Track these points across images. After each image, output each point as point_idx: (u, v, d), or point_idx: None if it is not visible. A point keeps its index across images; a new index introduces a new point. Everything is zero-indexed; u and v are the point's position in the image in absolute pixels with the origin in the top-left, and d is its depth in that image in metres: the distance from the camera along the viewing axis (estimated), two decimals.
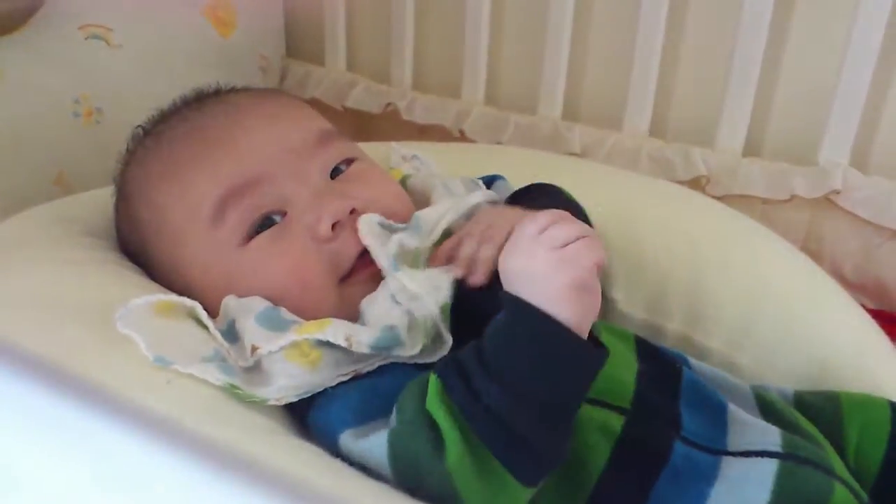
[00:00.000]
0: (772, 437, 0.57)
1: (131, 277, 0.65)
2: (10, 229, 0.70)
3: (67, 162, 0.95)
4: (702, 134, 1.01)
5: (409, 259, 0.59)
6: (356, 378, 0.55)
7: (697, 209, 0.83)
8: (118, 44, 0.98)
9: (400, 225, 0.61)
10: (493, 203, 0.70)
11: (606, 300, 0.76)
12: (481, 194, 0.68)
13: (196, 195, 0.62)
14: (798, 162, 0.96)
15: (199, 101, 0.69)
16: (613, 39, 1.05)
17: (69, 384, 0.27)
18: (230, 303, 0.60)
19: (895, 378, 0.69)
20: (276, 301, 0.59)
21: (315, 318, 0.57)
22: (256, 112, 0.66)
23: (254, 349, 0.55)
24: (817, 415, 0.62)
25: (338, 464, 0.50)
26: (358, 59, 1.25)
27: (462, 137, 1.12)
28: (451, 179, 0.73)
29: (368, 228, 0.59)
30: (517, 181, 0.78)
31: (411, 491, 0.49)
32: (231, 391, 0.53)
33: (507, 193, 0.74)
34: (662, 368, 0.61)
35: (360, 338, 0.54)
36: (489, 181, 0.75)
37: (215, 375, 0.53)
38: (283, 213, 0.62)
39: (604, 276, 0.74)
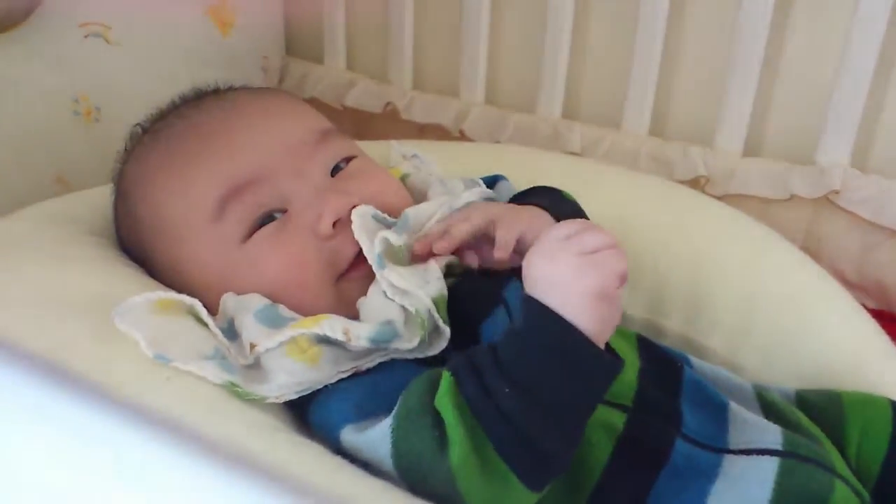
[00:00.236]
0: (773, 435, 0.57)
1: (131, 275, 0.65)
2: (10, 227, 0.70)
3: (66, 160, 0.94)
4: (701, 133, 1.01)
5: (393, 255, 0.59)
6: (356, 375, 0.55)
7: (697, 209, 0.83)
8: (117, 42, 0.98)
9: (392, 220, 0.61)
10: (490, 201, 0.70)
11: None
12: (476, 192, 0.68)
13: (196, 193, 0.62)
14: (797, 162, 0.96)
15: (198, 99, 0.69)
16: (613, 39, 1.05)
17: (70, 380, 0.27)
18: (229, 300, 0.60)
19: None
20: (274, 298, 0.59)
21: (313, 314, 0.57)
22: (256, 110, 0.67)
23: (252, 347, 0.55)
24: (819, 414, 0.62)
25: (339, 461, 0.50)
26: (357, 59, 1.25)
27: (461, 137, 1.12)
28: (451, 179, 0.73)
29: (361, 222, 0.59)
30: (516, 180, 0.78)
31: (413, 488, 0.49)
32: (230, 389, 0.53)
33: (510, 194, 0.74)
34: (664, 367, 0.61)
35: (359, 332, 0.54)
36: (492, 181, 0.75)
37: (215, 373, 0.53)
38: (284, 211, 0.62)
39: None
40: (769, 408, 0.62)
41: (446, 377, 0.49)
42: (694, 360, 0.65)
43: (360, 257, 0.60)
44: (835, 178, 0.92)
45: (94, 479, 0.27)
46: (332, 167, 0.65)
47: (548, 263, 0.50)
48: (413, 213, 0.62)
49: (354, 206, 0.60)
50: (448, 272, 0.61)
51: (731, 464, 0.55)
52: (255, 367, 0.56)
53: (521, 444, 0.47)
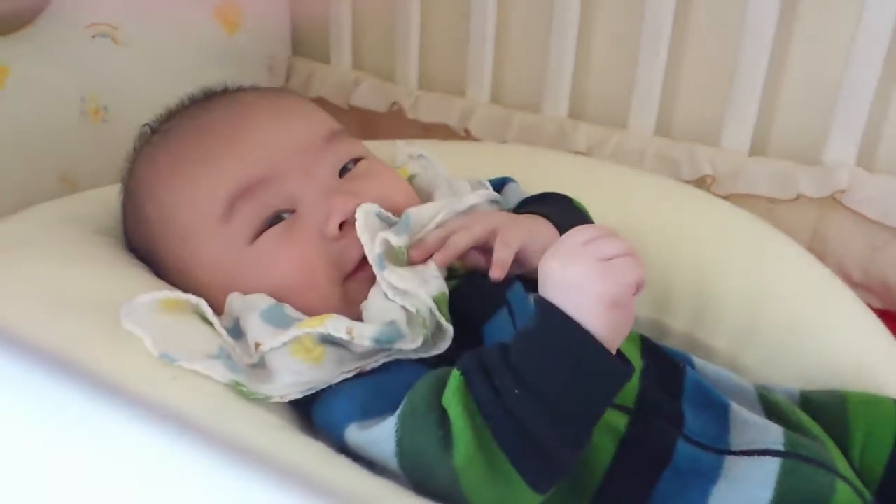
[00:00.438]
0: (774, 435, 0.57)
1: (138, 274, 0.65)
2: (17, 226, 0.70)
3: (74, 160, 0.95)
4: (707, 133, 1.01)
5: (394, 256, 0.59)
6: (360, 375, 0.55)
7: (703, 208, 0.83)
8: (125, 42, 0.99)
9: (395, 219, 0.61)
10: (495, 204, 0.70)
11: None
12: (481, 195, 0.68)
13: (205, 193, 0.62)
14: (804, 161, 0.96)
15: (207, 99, 0.69)
16: (619, 38, 1.04)
17: (79, 376, 0.27)
18: (235, 300, 0.60)
19: None
20: (281, 298, 0.59)
21: (319, 315, 0.57)
22: (264, 110, 0.67)
23: (257, 346, 0.56)
24: (823, 414, 0.62)
25: (343, 460, 0.50)
26: (363, 58, 1.25)
27: (467, 136, 1.12)
28: (458, 180, 0.73)
29: (365, 220, 0.59)
30: (522, 180, 0.78)
31: (417, 487, 0.49)
32: (236, 388, 0.53)
33: (519, 197, 0.74)
34: (666, 368, 0.61)
35: (362, 332, 0.54)
36: (500, 184, 0.75)
37: (220, 372, 0.53)
38: (292, 211, 0.62)
39: None
40: (771, 408, 0.62)
41: (455, 376, 0.49)
42: (696, 361, 0.65)
43: (366, 258, 0.60)
44: (841, 178, 0.92)
45: (100, 474, 0.27)
46: (340, 168, 0.65)
47: (565, 267, 0.50)
48: (415, 213, 0.62)
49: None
50: (450, 274, 0.61)
51: (733, 465, 0.55)
52: (259, 366, 0.56)
53: (528, 446, 0.47)
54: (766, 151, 1.00)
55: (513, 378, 0.48)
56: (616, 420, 0.55)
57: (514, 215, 0.67)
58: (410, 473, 0.49)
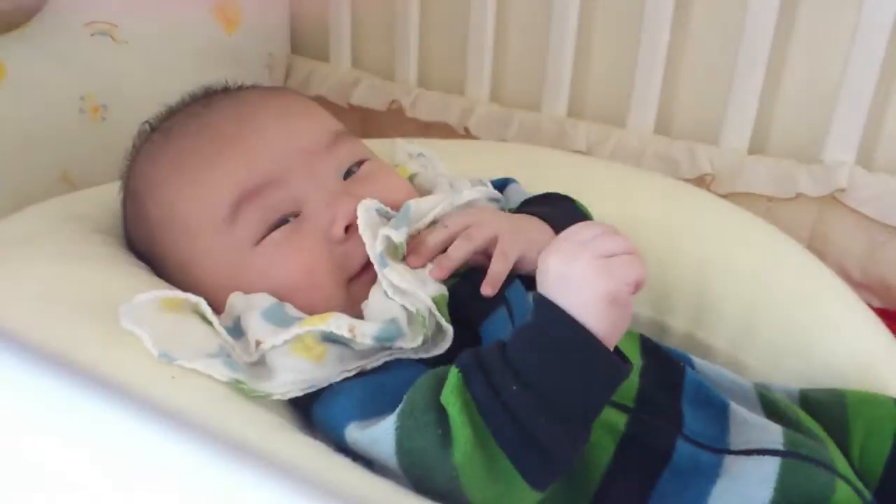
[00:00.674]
0: (774, 435, 0.57)
1: (137, 273, 0.65)
2: (17, 225, 0.70)
3: (73, 159, 0.95)
4: (707, 132, 1.01)
5: (395, 252, 0.59)
6: (361, 374, 0.55)
7: (702, 207, 0.83)
8: (124, 40, 0.99)
9: (395, 213, 0.61)
10: (494, 202, 0.70)
11: None
12: (481, 191, 0.68)
13: (210, 194, 0.62)
14: (803, 160, 0.96)
15: (208, 98, 0.69)
16: (618, 37, 1.04)
17: (77, 375, 0.27)
18: (236, 300, 0.60)
19: None
20: (284, 298, 0.59)
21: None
22: (269, 110, 0.67)
23: (258, 344, 0.56)
24: (823, 413, 0.62)
25: (343, 460, 0.50)
26: (363, 57, 1.25)
27: (467, 134, 1.12)
28: (459, 179, 0.74)
29: (367, 216, 0.59)
30: (522, 178, 0.78)
31: (417, 485, 0.49)
32: (236, 386, 0.53)
33: (520, 198, 0.74)
34: (665, 367, 0.61)
35: (364, 329, 0.54)
36: (502, 184, 0.76)
37: (220, 371, 0.53)
38: (297, 214, 0.62)
39: None
40: (771, 407, 0.62)
41: (454, 374, 0.49)
42: (696, 360, 0.65)
43: (370, 261, 0.60)
44: (841, 177, 0.92)
45: (99, 474, 0.27)
46: (345, 171, 0.65)
47: (565, 263, 0.50)
48: (415, 204, 0.62)
49: None
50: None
51: (732, 464, 0.55)
52: (259, 364, 0.56)
53: (526, 443, 0.47)
54: (765, 150, 1.00)
55: (511, 375, 0.48)
56: (615, 419, 0.55)
57: (515, 218, 0.66)
58: (410, 472, 0.49)
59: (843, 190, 0.92)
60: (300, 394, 0.54)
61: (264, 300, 0.59)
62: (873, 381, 0.68)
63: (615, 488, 0.53)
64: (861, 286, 0.94)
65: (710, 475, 0.54)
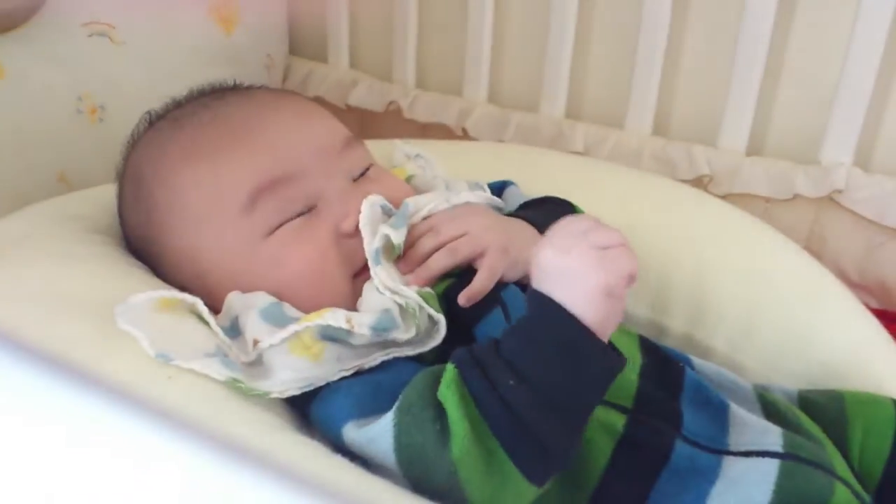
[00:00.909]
0: (773, 436, 0.57)
1: (134, 273, 0.65)
2: (14, 225, 0.70)
3: (70, 159, 0.95)
4: (704, 133, 1.01)
5: (391, 251, 0.60)
6: (359, 373, 0.56)
7: (700, 208, 0.83)
8: (122, 41, 0.98)
9: (395, 210, 0.62)
10: (498, 211, 0.71)
11: None
12: (478, 195, 0.69)
13: (229, 182, 0.62)
14: (801, 161, 0.96)
15: (220, 91, 0.70)
16: (616, 38, 1.05)
17: (75, 375, 0.27)
18: (234, 299, 0.60)
19: None
20: (290, 292, 0.60)
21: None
22: (286, 108, 0.68)
23: (255, 343, 0.56)
24: (821, 414, 0.62)
25: (341, 460, 0.50)
26: (361, 57, 1.25)
27: (464, 136, 1.12)
28: (456, 180, 0.74)
29: (370, 212, 0.60)
30: (519, 180, 0.78)
31: (415, 482, 0.49)
32: (233, 385, 0.53)
33: (518, 200, 0.74)
34: (665, 367, 0.61)
35: (361, 319, 0.55)
36: (500, 187, 0.76)
37: (217, 370, 0.53)
38: (311, 209, 0.63)
39: None
40: (770, 408, 0.62)
41: (450, 369, 0.49)
42: (695, 361, 0.65)
43: None
44: (838, 178, 0.92)
45: (97, 474, 0.27)
46: (357, 175, 0.66)
47: (560, 256, 0.50)
48: (413, 202, 0.63)
49: None
50: (447, 273, 0.61)
51: (731, 465, 0.55)
52: (257, 364, 0.56)
53: (523, 437, 0.48)
54: (763, 151, 1.00)
55: (507, 369, 0.48)
56: (614, 419, 0.55)
57: (509, 228, 0.66)
58: (408, 468, 0.49)
59: (840, 191, 0.92)
60: (298, 392, 0.55)
61: (262, 299, 0.59)
62: (871, 381, 0.68)
63: (613, 489, 0.54)
64: (858, 287, 0.94)
65: (709, 476, 0.54)
